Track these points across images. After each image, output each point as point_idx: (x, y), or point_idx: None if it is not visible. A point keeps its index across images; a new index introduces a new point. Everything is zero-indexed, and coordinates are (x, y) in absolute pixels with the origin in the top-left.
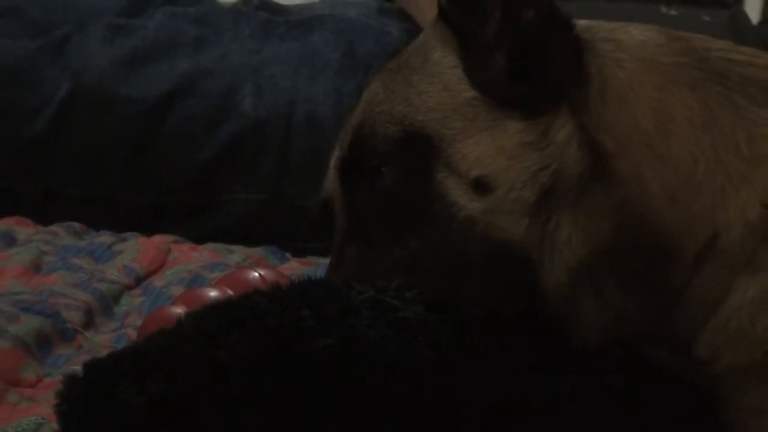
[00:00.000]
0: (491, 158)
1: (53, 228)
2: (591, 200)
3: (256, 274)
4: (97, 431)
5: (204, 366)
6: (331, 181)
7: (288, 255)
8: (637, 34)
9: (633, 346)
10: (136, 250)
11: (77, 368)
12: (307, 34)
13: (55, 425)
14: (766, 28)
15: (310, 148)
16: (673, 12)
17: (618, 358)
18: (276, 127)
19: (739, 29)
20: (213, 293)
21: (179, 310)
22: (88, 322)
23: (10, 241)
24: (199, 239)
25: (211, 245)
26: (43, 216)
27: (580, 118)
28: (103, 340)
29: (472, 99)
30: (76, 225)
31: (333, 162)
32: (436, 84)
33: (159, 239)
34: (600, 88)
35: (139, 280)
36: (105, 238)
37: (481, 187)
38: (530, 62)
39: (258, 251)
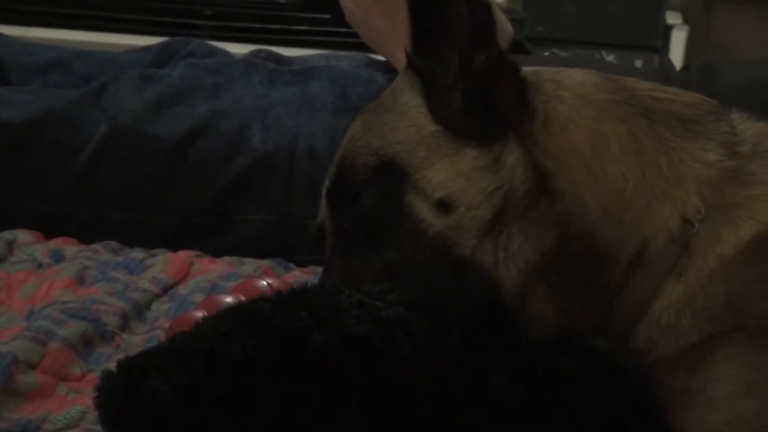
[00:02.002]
0: (452, 181)
1: (94, 246)
2: (538, 214)
3: (265, 283)
4: (130, 418)
5: (220, 360)
6: (322, 208)
7: (292, 266)
8: (576, 75)
9: (580, 336)
10: (164, 263)
11: (113, 365)
12: (307, 81)
13: (96, 414)
14: (685, 75)
15: (310, 176)
16: (611, 58)
17: (567, 346)
18: (281, 159)
19: (665, 74)
20: (228, 299)
21: (200, 313)
22: (124, 326)
23: (59, 258)
24: (217, 253)
25: (227, 258)
26: (86, 236)
27: (527, 145)
28: (137, 341)
29: (434, 132)
30: (114, 243)
31: (323, 191)
32: (404, 121)
33: (183, 254)
34: (544, 119)
35: (167, 289)
36: (138, 254)
37: (444, 206)
38: (482, 99)
39: (267, 263)
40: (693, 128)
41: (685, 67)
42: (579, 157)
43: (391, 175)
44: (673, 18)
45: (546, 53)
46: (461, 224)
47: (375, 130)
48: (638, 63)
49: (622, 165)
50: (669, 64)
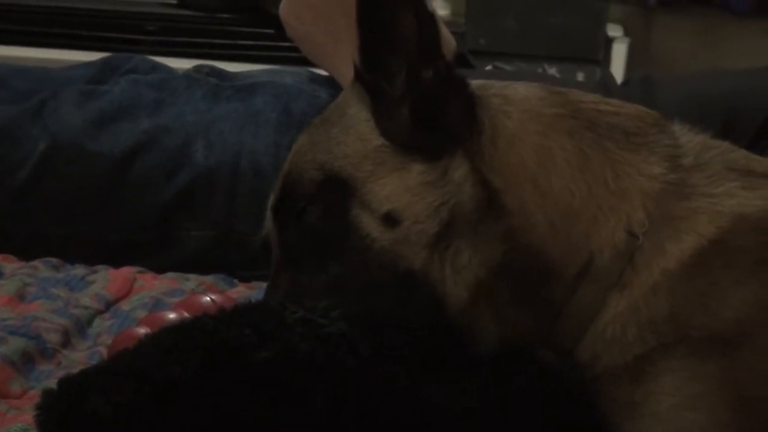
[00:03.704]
0: (398, 195)
1: (34, 263)
2: (485, 229)
3: (209, 299)
4: None
5: (161, 378)
6: (267, 221)
7: (236, 281)
8: (522, 90)
9: (527, 349)
10: (106, 279)
11: (54, 382)
12: (251, 96)
13: None
14: (626, 88)
15: (253, 192)
16: (553, 71)
17: (515, 359)
18: (224, 175)
19: (606, 87)
20: (172, 315)
21: (143, 330)
22: (66, 342)
23: None
24: (161, 269)
25: (170, 274)
26: (26, 253)
27: (474, 161)
28: (78, 358)
29: (381, 146)
30: (54, 260)
31: (269, 205)
32: (351, 134)
33: (126, 270)
34: (491, 135)
35: (109, 305)
36: (79, 270)
37: (390, 220)
38: (430, 114)
39: (210, 279)
40: (637, 141)
41: (626, 81)
42: (526, 173)
43: (337, 190)
44: (614, 30)
45: (488, 67)
46: (407, 239)
47: (321, 145)
48: (580, 76)
49: (568, 180)
50: (610, 77)
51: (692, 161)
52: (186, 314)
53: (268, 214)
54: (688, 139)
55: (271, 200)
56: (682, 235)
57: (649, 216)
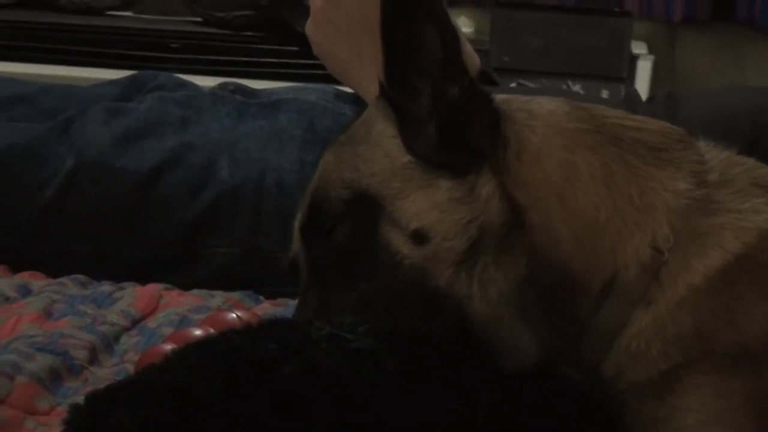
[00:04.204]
0: (426, 212)
1: (62, 280)
2: (511, 245)
3: (234, 315)
4: None
5: (187, 393)
6: (295, 241)
7: (261, 298)
8: (546, 104)
9: (550, 365)
10: (132, 297)
11: (81, 399)
12: (275, 113)
13: None
14: (651, 105)
15: (278, 209)
16: (577, 88)
17: (536, 375)
18: (249, 192)
19: (631, 104)
20: (197, 332)
21: (169, 347)
22: (93, 359)
23: (26, 292)
24: (186, 286)
25: (196, 291)
26: (53, 270)
27: (501, 176)
28: (105, 374)
29: (408, 163)
30: (81, 277)
31: (296, 224)
32: (378, 152)
33: (152, 287)
34: (517, 150)
35: (135, 322)
36: (106, 287)
37: (419, 237)
38: (456, 130)
39: (236, 295)
40: (662, 156)
41: (651, 98)
42: (551, 188)
43: (365, 208)
44: (638, 48)
45: (512, 84)
46: (437, 255)
47: (348, 162)
48: (604, 93)
49: (593, 195)
50: (635, 93)
51: (718, 177)
52: (212, 331)
53: (296, 233)
54: (714, 155)
55: (298, 219)
56: (708, 251)
57: (674, 232)
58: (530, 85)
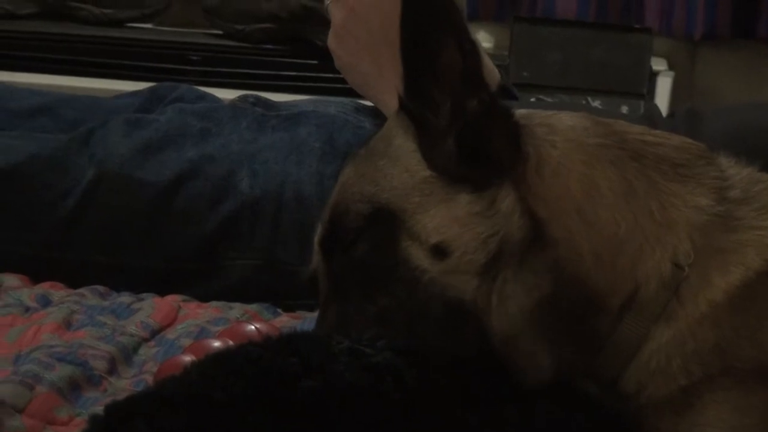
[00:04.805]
0: (447, 227)
1: (81, 291)
2: (531, 260)
3: (253, 327)
4: None
5: (205, 405)
6: (315, 255)
7: (280, 310)
8: (566, 119)
9: (567, 380)
10: (151, 308)
11: (100, 409)
12: (295, 126)
13: None
14: (672, 121)
15: (297, 221)
16: (597, 104)
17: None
18: (269, 204)
19: (651, 120)
20: (216, 344)
21: (188, 358)
22: (112, 370)
23: (46, 302)
24: (205, 298)
25: (214, 303)
26: (73, 281)
27: (521, 190)
28: (124, 385)
29: (428, 177)
30: (101, 288)
31: (316, 238)
32: (398, 166)
33: (171, 298)
34: (537, 164)
35: (154, 334)
36: (125, 298)
37: (439, 252)
38: (475, 144)
39: (254, 307)
40: (683, 172)
41: (671, 114)
42: (571, 203)
43: (385, 222)
44: (658, 64)
45: (532, 99)
46: (457, 270)
47: (368, 176)
48: (624, 109)
49: (614, 210)
50: (655, 109)
51: (739, 194)
52: (231, 342)
53: (316, 247)
54: (735, 171)
55: (318, 234)
56: (730, 268)
57: (695, 248)
58: (549, 100)
